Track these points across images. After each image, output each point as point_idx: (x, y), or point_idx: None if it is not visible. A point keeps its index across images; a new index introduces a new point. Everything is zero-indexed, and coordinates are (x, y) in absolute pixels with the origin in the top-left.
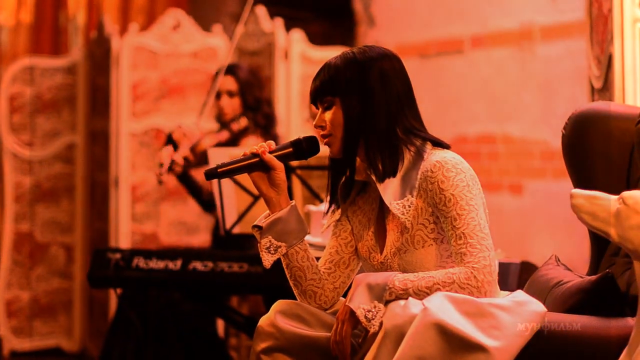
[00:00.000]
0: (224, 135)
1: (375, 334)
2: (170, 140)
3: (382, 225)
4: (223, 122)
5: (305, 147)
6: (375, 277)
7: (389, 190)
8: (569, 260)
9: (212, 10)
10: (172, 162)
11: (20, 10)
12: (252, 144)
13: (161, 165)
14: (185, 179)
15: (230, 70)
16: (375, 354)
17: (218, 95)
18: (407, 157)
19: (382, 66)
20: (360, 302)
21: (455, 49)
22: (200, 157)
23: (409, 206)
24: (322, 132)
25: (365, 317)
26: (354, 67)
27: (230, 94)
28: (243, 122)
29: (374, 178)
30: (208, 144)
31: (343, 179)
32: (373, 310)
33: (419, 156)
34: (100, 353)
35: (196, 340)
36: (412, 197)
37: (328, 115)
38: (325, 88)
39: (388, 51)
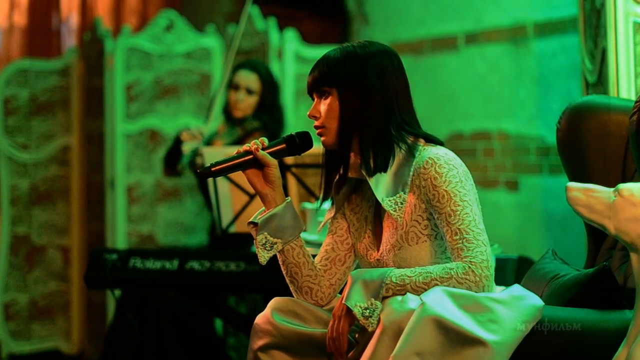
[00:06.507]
0: (238, 132)
1: (374, 330)
2: (178, 142)
3: (378, 222)
4: (231, 117)
5: (298, 142)
6: (371, 273)
7: (381, 186)
8: (566, 255)
9: (205, 11)
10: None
11: (14, 12)
12: None
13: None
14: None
15: (255, 67)
16: (373, 350)
17: (236, 87)
18: (399, 153)
19: (381, 62)
20: (356, 300)
21: (450, 45)
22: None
23: (402, 203)
24: (315, 123)
25: (363, 315)
26: (354, 60)
27: (250, 92)
28: (255, 123)
29: (364, 173)
30: (222, 142)
31: (337, 176)
32: (370, 307)
33: (410, 153)
34: (99, 356)
35: (195, 341)
36: (405, 193)
37: (324, 105)
38: (323, 78)
39: (387, 48)
